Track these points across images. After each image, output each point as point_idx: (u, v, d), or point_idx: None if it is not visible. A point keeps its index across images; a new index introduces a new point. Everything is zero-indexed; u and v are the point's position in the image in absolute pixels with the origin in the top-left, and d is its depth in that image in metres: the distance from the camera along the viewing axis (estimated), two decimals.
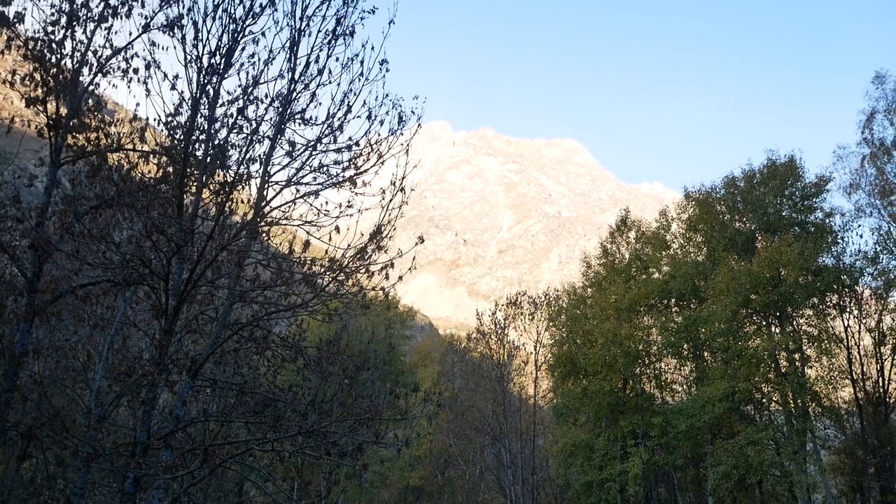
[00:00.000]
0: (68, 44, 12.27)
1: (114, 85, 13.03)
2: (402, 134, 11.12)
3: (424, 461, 48.02)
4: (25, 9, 12.02)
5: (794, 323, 34.24)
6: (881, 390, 33.92)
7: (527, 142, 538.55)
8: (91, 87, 12.70)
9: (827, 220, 35.44)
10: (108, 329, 14.08)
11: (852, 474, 33.63)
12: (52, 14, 12.13)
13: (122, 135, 12.49)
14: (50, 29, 12.12)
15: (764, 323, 34.73)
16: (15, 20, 11.93)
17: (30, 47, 12.03)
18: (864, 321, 35.09)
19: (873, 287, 34.56)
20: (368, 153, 10.86)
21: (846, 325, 34.98)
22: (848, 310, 35.13)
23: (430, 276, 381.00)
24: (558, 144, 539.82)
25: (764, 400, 35.16)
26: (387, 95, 10.77)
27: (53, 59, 12.15)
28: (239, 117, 10.66)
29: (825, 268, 33.79)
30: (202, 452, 8.74)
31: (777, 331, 33.75)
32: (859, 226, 36.42)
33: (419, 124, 11.20)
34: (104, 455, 9.38)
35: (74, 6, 12.21)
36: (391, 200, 10.54)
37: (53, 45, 12.13)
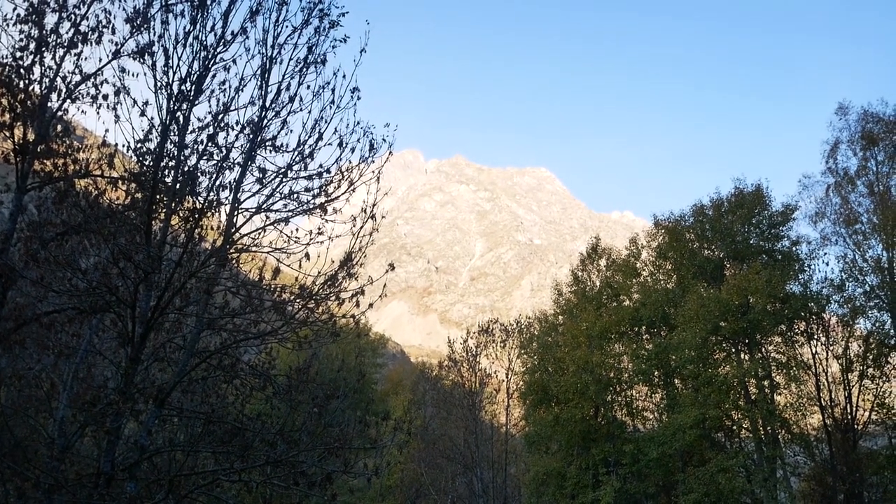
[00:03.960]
0: (37, 69, 12.17)
1: (83, 111, 12.94)
2: (374, 161, 11.16)
3: (395, 491, 47.41)
4: None
5: (763, 350, 34.64)
6: (849, 417, 34.31)
7: (498, 170, 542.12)
8: (59, 113, 12.59)
9: (794, 249, 36.11)
10: (73, 357, 13.80)
11: (822, 501, 33.86)
12: (21, 40, 12.05)
13: (90, 161, 12.38)
14: (18, 55, 12.03)
15: (733, 350, 35.10)
16: None
17: None
18: (831, 348, 35.57)
19: (840, 314, 35.12)
20: (339, 180, 10.88)
21: (814, 352, 35.44)
22: (815, 337, 35.63)
23: (402, 304, 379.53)
24: (530, 173, 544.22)
25: (734, 427, 35.41)
26: (358, 123, 10.82)
27: (21, 85, 12.05)
28: (209, 144, 10.62)
29: (793, 295, 34.32)
30: (168, 483, 8.57)
31: (746, 358, 34.11)
32: (825, 254, 37.07)
33: (390, 152, 11.26)
34: (67, 486, 9.15)
35: (44, 32, 12.15)
36: (362, 227, 10.55)
37: (22, 71, 12.03)
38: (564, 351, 37.60)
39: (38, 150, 12.16)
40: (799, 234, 37.38)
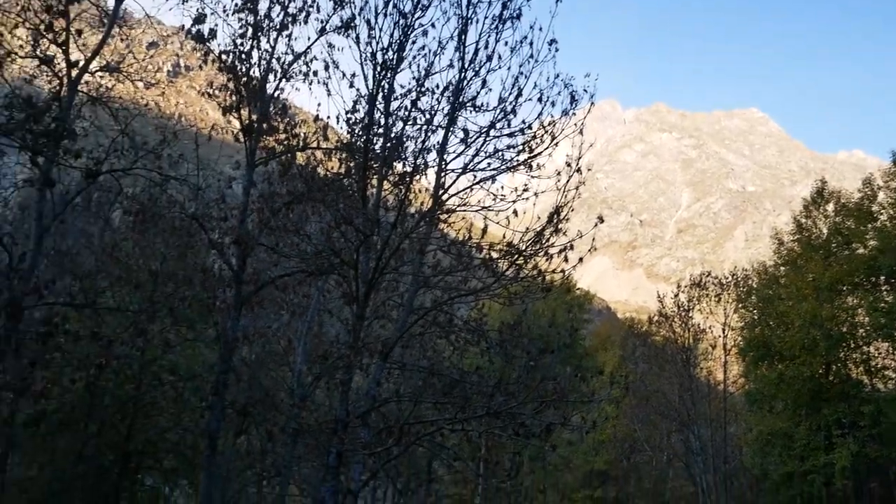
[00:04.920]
0: (255, 54, 13.30)
1: (296, 88, 13.94)
2: (575, 114, 10.99)
3: (608, 446, 47.30)
4: (217, 25, 13.11)
5: None
6: None
7: (704, 115, 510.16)
8: (277, 93, 13.68)
9: None
10: (305, 316, 15.21)
11: None
12: (241, 27, 13.17)
13: (307, 135, 13.34)
14: (238, 41, 13.17)
15: None
16: (209, 37, 13.10)
17: (223, 60, 13.16)
18: None
19: None
20: (542, 135, 10.81)
21: None
22: None
23: (605, 260, 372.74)
24: (739, 115, 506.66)
25: None
26: (557, 76, 10.69)
27: (243, 69, 13.22)
28: (413, 109, 10.95)
29: None
30: (397, 431, 9.13)
31: None
32: None
33: (592, 102, 11.07)
34: (309, 431, 10.08)
35: (258, 18, 13.17)
36: (567, 182, 10.41)
37: (242, 56, 13.19)
38: (788, 304, 35.03)
39: (262, 128, 13.31)
40: None
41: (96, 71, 15.92)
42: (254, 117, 13.25)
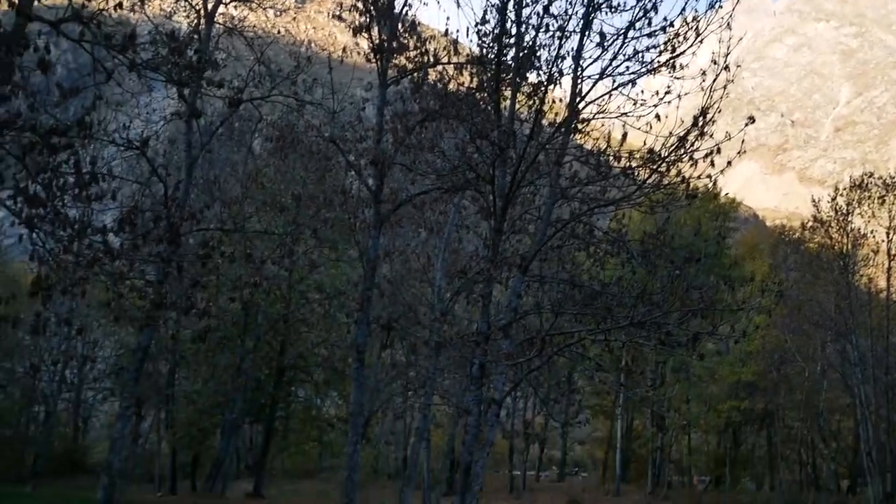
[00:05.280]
0: None
1: (424, 3, 13.72)
2: (721, 6, 10.24)
3: (756, 356, 45.63)
4: None
5: None
6: None
7: None
8: (405, 10, 13.52)
9: None
10: (443, 232, 15.45)
11: None
12: None
13: (437, 51, 13.18)
14: None
15: None
16: None
17: None
18: None
19: None
20: (685, 33, 10.09)
21: None
22: None
23: (752, 164, 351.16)
24: None
25: None
26: None
27: None
28: (545, 15, 10.50)
29: None
30: (539, 342, 9.17)
31: None
32: None
33: None
34: (451, 344, 10.34)
35: None
36: (714, 81, 9.72)
37: None
38: None
39: (393, 47, 13.26)
40: None
41: (230, 2, 16.39)
42: (384, 36, 13.20)
